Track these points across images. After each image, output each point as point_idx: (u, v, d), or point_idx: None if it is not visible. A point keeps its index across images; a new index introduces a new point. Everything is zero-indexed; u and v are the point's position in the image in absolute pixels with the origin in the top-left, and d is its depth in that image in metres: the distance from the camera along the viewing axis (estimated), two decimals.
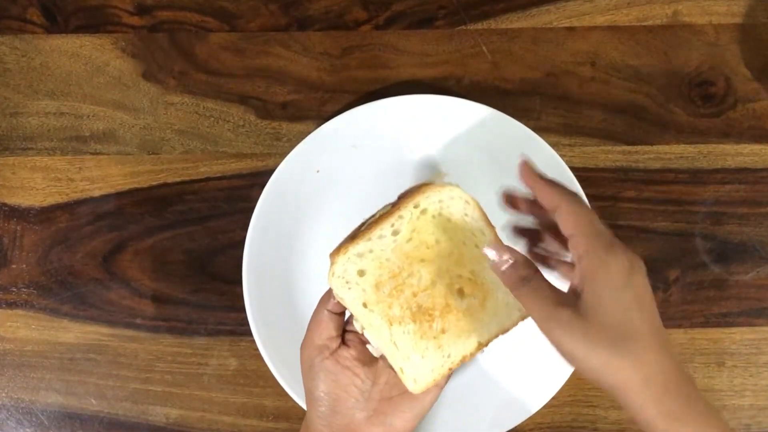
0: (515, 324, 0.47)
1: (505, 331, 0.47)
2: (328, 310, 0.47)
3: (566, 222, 0.41)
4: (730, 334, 0.56)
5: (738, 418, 0.55)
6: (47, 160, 0.57)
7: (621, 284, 0.38)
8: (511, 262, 0.42)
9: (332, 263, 0.46)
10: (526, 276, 0.41)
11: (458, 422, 0.53)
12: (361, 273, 0.46)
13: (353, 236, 0.47)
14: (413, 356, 0.46)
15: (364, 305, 0.46)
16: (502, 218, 0.52)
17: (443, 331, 0.46)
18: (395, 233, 0.46)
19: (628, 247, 0.40)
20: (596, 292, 0.38)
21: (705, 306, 0.56)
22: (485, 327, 0.46)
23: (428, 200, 0.46)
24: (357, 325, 0.47)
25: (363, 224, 0.48)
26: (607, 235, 0.40)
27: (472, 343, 0.46)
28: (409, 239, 0.46)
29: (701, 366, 0.56)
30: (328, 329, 0.47)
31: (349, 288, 0.46)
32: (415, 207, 0.46)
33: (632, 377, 0.37)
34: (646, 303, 0.39)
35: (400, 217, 0.46)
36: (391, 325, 0.46)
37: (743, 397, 0.55)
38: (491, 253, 0.42)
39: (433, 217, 0.46)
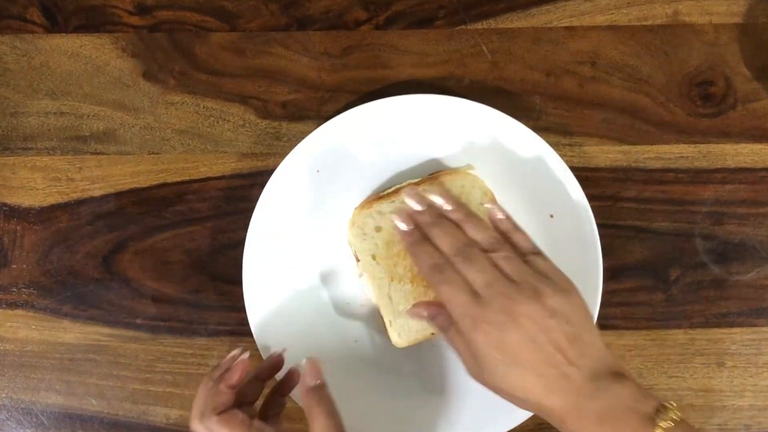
0: None
1: None
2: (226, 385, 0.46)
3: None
4: (730, 334, 0.56)
5: (738, 418, 0.55)
6: (47, 160, 0.57)
7: (493, 353, 0.44)
8: (433, 316, 0.48)
9: (354, 214, 0.53)
10: (445, 326, 0.47)
11: (459, 422, 0.53)
12: (378, 229, 0.52)
13: (378, 196, 0.53)
14: (403, 314, 0.51)
15: (373, 257, 0.52)
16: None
17: (435, 299, 0.50)
18: None
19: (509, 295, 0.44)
20: (479, 362, 0.44)
21: (705, 306, 0.56)
22: None
23: (452, 183, 0.52)
24: (358, 270, 0.53)
25: (385, 190, 0.53)
26: (477, 310, 0.44)
27: None
28: None
29: (701, 366, 0.56)
30: (225, 399, 0.46)
31: (364, 239, 0.52)
32: (440, 185, 0.52)
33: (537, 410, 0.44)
34: (525, 355, 0.43)
35: (424, 190, 0.50)
36: (392, 280, 0.52)
37: (743, 398, 0.55)
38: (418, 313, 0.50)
39: None
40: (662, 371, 0.56)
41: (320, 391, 0.45)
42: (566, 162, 0.53)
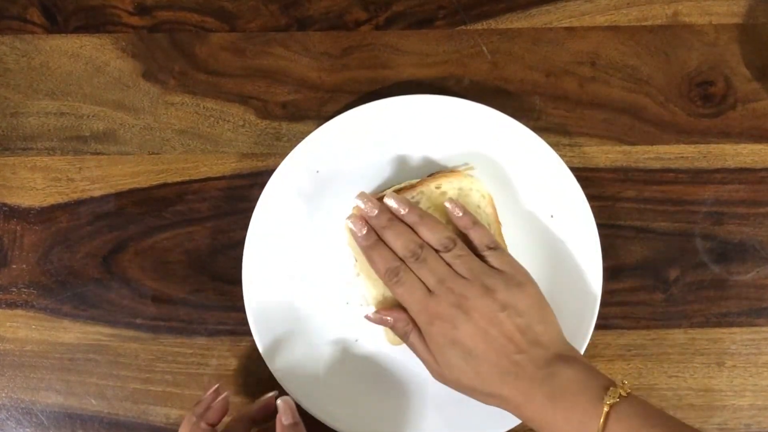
0: None
1: None
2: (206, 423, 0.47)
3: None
4: (730, 334, 0.56)
5: (738, 418, 0.55)
6: (47, 160, 0.57)
7: (449, 347, 0.47)
8: (391, 321, 0.50)
9: (352, 213, 0.51)
10: (404, 332, 0.49)
11: (458, 422, 0.53)
12: None
13: (377, 196, 0.52)
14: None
15: None
16: (505, 216, 0.53)
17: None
18: (414, 204, 0.51)
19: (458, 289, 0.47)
20: (437, 358, 0.47)
21: (705, 306, 0.56)
22: None
23: (450, 185, 0.52)
24: (355, 270, 0.53)
25: (385, 190, 0.53)
26: (430, 306, 0.47)
27: None
28: None
29: (701, 366, 0.56)
30: None
31: None
32: (437, 188, 0.52)
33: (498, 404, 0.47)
34: (478, 347, 0.46)
35: (421, 192, 0.52)
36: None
37: (743, 397, 0.55)
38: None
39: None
40: (662, 371, 0.56)
41: (296, 428, 0.47)
42: (566, 162, 0.53)
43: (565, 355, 0.46)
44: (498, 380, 0.45)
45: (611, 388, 0.43)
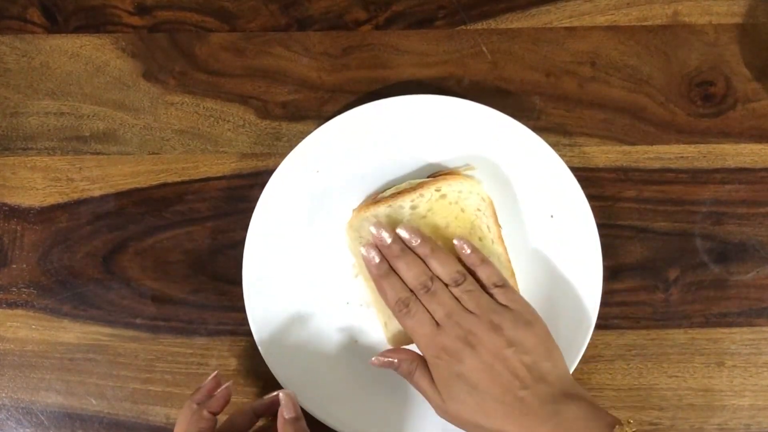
0: None
1: None
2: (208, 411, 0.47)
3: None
4: (730, 334, 0.56)
5: (738, 418, 0.55)
6: (47, 160, 0.57)
7: (455, 380, 0.47)
8: (396, 363, 0.50)
9: (352, 217, 0.52)
10: (409, 371, 0.49)
11: None
12: None
13: (377, 199, 0.53)
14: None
15: None
16: (505, 216, 0.53)
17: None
18: (413, 208, 0.52)
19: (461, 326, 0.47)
20: (442, 392, 0.47)
21: (705, 306, 0.56)
22: None
23: (450, 188, 0.52)
24: (354, 271, 0.54)
25: (385, 191, 0.53)
26: (438, 339, 0.47)
27: None
28: (424, 216, 0.52)
29: (701, 366, 0.56)
30: (208, 424, 0.46)
31: (361, 242, 0.52)
32: (437, 191, 0.52)
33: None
34: (483, 382, 0.46)
35: (421, 195, 0.52)
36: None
37: (743, 397, 0.55)
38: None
39: (450, 203, 0.52)
40: (662, 371, 0.56)
41: (297, 423, 0.47)
42: (566, 162, 0.53)
43: (571, 393, 0.46)
44: (502, 416, 0.45)
45: (617, 427, 0.43)
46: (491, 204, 0.53)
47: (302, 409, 0.52)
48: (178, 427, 0.46)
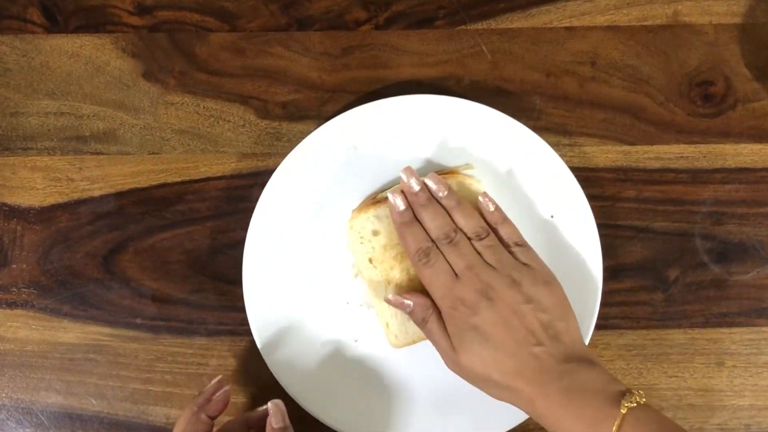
0: None
1: None
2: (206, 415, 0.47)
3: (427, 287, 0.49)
4: (730, 334, 0.56)
5: (738, 418, 0.55)
6: (47, 160, 0.57)
7: (469, 332, 0.46)
8: (411, 305, 0.49)
9: (352, 218, 0.53)
10: (423, 317, 0.49)
11: (457, 422, 0.53)
12: (375, 233, 0.52)
13: (376, 200, 0.53)
14: (400, 316, 0.52)
15: (370, 260, 0.52)
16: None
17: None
18: None
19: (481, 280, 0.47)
20: (455, 343, 0.47)
21: (705, 306, 0.56)
22: None
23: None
24: (354, 271, 0.54)
25: (385, 191, 0.53)
26: (455, 290, 0.47)
27: None
28: None
29: (701, 366, 0.56)
30: (204, 428, 0.46)
31: (361, 243, 0.52)
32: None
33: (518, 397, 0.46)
34: (498, 335, 0.46)
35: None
36: (388, 284, 0.52)
37: (743, 397, 0.55)
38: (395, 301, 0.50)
39: None
40: (662, 371, 0.56)
41: None
42: (566, 162, 0.53)
43: (585, 357, 0.46)
44: (514, 371, 0.45)
45: (628, 394, 0.43)
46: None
47: (302, 409, 0.52)
48: (177, 427, 0.46)
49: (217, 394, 0.48)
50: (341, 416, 0.52)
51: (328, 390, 0.53)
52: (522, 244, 0.50)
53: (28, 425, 0.56)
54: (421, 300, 0.49)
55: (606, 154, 0.57)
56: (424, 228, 0.50)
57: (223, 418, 0.49)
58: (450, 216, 0.50)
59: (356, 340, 0.54)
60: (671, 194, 0.57)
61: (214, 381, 0.49)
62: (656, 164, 0.57)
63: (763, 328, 0.56)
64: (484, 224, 0.50)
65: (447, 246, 0.49)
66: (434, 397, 0.53)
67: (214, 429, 0.47)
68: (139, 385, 0.56)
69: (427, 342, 0.53)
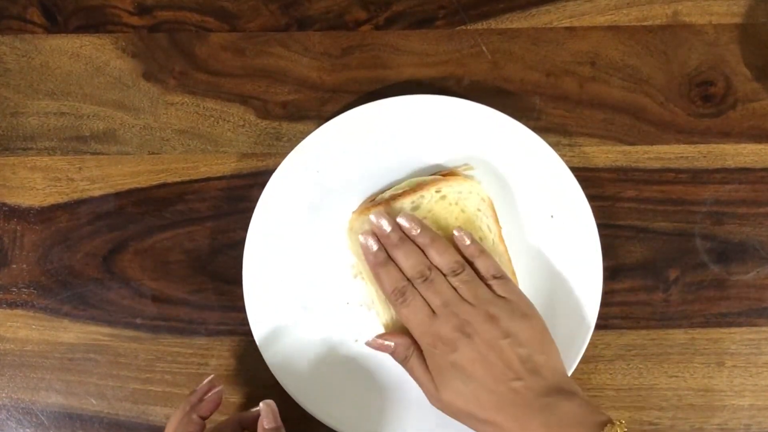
0: None
1: None
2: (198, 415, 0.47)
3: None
4: (730, 334, 0.56)
5: (738, 418, 0.55)
6: (47, 160, 0.57)
7: (449, 369, 0.47)
8: (392, 346, 0.50)
9: (352, 219, 0.52)
10: (405, 357, 0.49)
11: (459, 422, 0.53)
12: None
13: (376, 201, 0.53)
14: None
15: None
16: (505, 217, 0.53)
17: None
18: (414, 209, 0.52)
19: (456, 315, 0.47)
20: (436, 380, 0.47)
21: (705, 306, 0.56)
22: None
23: (450, 189, 0.52)
24: (354, 271, 0.54)
25: (384, 192, 0.53)
26: (433, 328, 0.47)
27: None
28: (424, 218, 0.52)
29: (701, 366, 0.56)
30: (195, 428, 0.46)
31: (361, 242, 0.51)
32: (437, 192, 0.52)
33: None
34: (478, 372, 0.46)
35: (422, 196, 0.52)
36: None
37: (743, 397, 0.55)
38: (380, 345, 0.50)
39: (450, 204, 0.52)
40: (662, 371, 0.56)
41: None
42: (566, 162, 0.53)
43: (565, 389, 0.46)
44: (494, 406, 0.45)
45: (608, 426, 0.43)
46: (491, 204, 0.53)
47: (302, 409, 0.52)
48: (169, 427, 0.47)
49: (209, 394, 0.48)
50: (341, 416, 0.52)
51: (327, 390, 0.53)
52: (500, 275, 0.49)
53: (28, 425, 0.56)
54: (401, 340, 0.49)
55: (606, 154, 0.57)
56: (399, 267, 0.50)
57: (218, 417, 0.49)
58: (424, 253, 0.50)
59: (356, 340, 0.54)
60: (671, 194, 0.57)
61: (206, 380, 0.49)
62: (656, 164, 0.57)
63: (763, 328, 0.56)
64: (460, 259, 0.50)
65: (422, 284, 0.49)
66: None
67: (208, 427, 0.47)
68: (139, 385, 0.56)
69: None
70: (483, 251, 0.50)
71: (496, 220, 0.53)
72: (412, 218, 0.50)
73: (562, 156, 0.53)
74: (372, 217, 0.51)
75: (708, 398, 0.55)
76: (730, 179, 0.57)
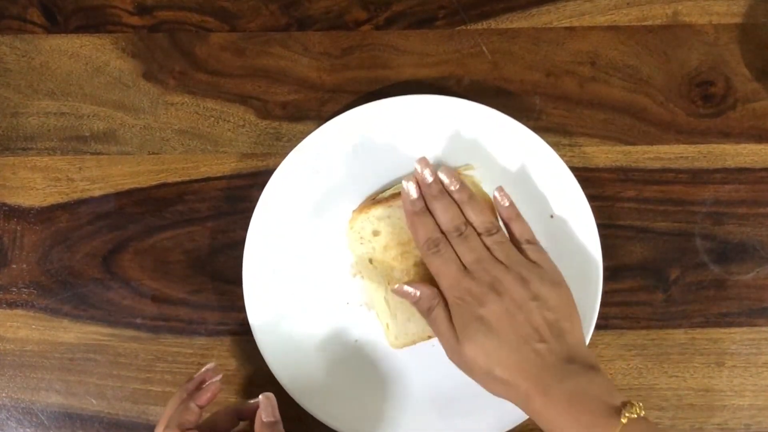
0: None
1: None
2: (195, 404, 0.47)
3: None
4: (730, 334, 0.56)
5: (738, 418, 0.55)
6: (47, 160, 0.57)
7: (474, 323, 0.46)
8: (416, 295, 0.49)
9: (352, 218, 0.53)
10: (429, 306, 0.49)
11: (456, 422, 0.53)
12: (376, 233, 0.52)
13: (376, 200, 0.53)
14: (400, 317, 0.52)
15: (370, 261, 0.52)
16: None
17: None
18: None
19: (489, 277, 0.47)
20: (459, 333, 0.47)
21: (705, 306, 0.56)
22: None
23: None
24: (353, 271, 0.54)
25: (384, 191, 0.53)
26: (464, 282, 0.47)
27: None
28: None
29: (701, 366, 0.56)
30: (192, 417, 0.46)
31: (362, 243, 0.52)
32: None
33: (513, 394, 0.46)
34: (503, 329, 0.45)
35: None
36: (389, 284, 0.51)
37: (743, 397, 0.55)
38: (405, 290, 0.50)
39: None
40: (662, 371, 0.56)
41: (274, 426, 0.47)
42: (566, 162, 0.53)
43: (589, 362, 0.45)
44: (515, 366, 0.45)
45: (628, 405, 0.42)
46: (491, 203, 0.53)
47: (302, 409, 0.52)
48: (165, 413, 0.46)
49: (208, 383, 0.47)
50: (341, 415, 0.52)
51: (327, 389, 0.53)
52: (533, 242, 0.50)
53: (28, 425, 0.56)
54: (427, 289, 0.49)
55: (606, 155, 0.57)
56: (434, 219, 0.50)
57: (214, 408, 0.49)
58: (461, 210, 0.50)
59: (356, 340, 0.54)
60: (671, 194, 0.57)
61: (205, 367, 0.48)
62: (656, 164, 0.57)
63: (763, 328, 0.56)
64: (495, 221, 0.50)
65: (457, 239, 0.49)
66: (433, 397, 0.53)
67: (205, 416, 0.47)
68: (139, 385, 0.56)
69: (427, 343, 0.53)
70: (519, 215, 0.51)
71: (497, 219, 0.53)
72: (452, 174, 0.51)
73: (562, 156, 0.53)
74: (417, 165, 0.51)
75: (708, 398, 0.55)
76: (730, 179, 0.57)
